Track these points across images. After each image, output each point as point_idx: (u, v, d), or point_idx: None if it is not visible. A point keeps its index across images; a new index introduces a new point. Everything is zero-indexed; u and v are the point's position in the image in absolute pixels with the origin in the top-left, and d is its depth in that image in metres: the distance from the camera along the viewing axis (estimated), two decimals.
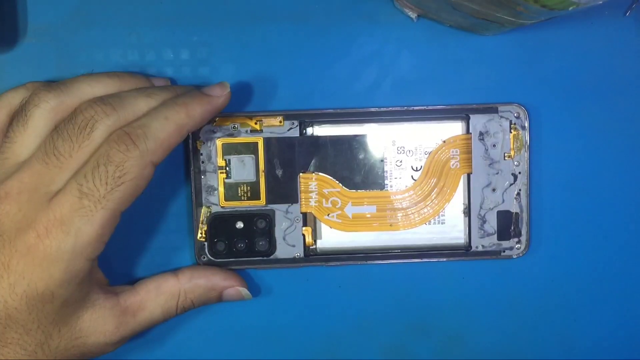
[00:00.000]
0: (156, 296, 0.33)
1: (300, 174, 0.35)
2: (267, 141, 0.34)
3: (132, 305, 0.32)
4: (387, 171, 0.35)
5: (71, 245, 0.28)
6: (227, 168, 0.35)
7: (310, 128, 0.35)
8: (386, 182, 0.35)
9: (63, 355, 0.30)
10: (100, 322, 0.31)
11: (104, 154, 0.29)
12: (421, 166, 0.35)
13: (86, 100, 0.30)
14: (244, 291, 0.34)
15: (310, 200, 0.35)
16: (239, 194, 0.35)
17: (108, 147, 0.29)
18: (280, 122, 0.34)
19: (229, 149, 0.34)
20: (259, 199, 0.35)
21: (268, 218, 0.35)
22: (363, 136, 0.35)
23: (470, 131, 0.35)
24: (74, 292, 0.29)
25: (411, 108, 0.35)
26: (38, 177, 0.29)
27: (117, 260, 0.36)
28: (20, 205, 0.29)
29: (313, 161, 0.35)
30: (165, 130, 0.30)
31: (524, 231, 0.35)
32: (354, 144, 0.35)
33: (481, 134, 0.35)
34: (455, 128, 0.35)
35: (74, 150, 0.29)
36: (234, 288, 0.34)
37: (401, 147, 0.35)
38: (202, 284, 0.33)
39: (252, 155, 0.35)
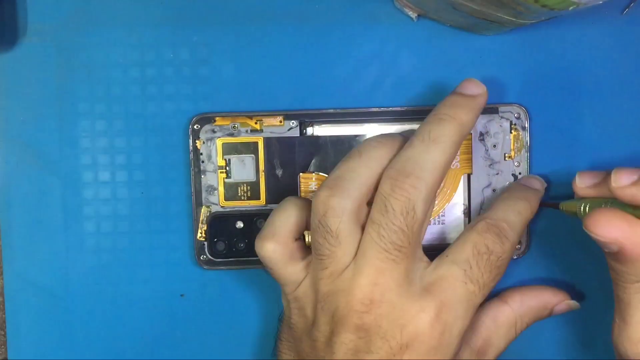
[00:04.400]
0: (496, 329, 0.33)
1: (300, 174, 0.35)
2: (267, 141, 0.34)
3: (482, 347, 0.33)
4: None
5: (460, 329, 0.29)
6: (227, 168, 0.35)
7: (310, 128, 0.35)
8: None
9: None
10: None
11: (481, 243, 0.30)
12: None
13: (382, 180, 0.29)
14: (574, 304, 0.35)
15: None
16: (239, 194, 0.35)
17: (482, 237, 0.30)
18: (280, 122, 0.35)
19: (229, 149, 0.34)
20: (259, 198, 0.35)
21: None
22: (363, 136, 0.35)
23: (471, 131, 0.35)
24: None
25: (411, 108, 0.35)
26: (391, 274, 0.29)
27: (117, 261, 0.36)
28: (392, 304, 0.29)
29: (313, 161, 0.35)
30: (522, 224, 0.31)
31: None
32: (354, 144, 0.35)
33: (481, 134, 0.35)
34: None
35: (410, 237, 0.29)
36: (564, 303, 0.34)
37: None
38: (534, 305, 0.34)
39: (252, 155, 0.35)
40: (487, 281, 0.29)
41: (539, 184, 0.34)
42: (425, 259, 0.30)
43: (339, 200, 0.29)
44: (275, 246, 0.31)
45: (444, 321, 0.29)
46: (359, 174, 0.30)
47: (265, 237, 0.31)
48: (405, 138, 0.31)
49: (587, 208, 0.30)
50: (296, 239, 0.32)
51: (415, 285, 0.29)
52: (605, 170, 0.30)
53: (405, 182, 0.29)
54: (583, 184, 0.31)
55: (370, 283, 0.29)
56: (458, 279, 0.29)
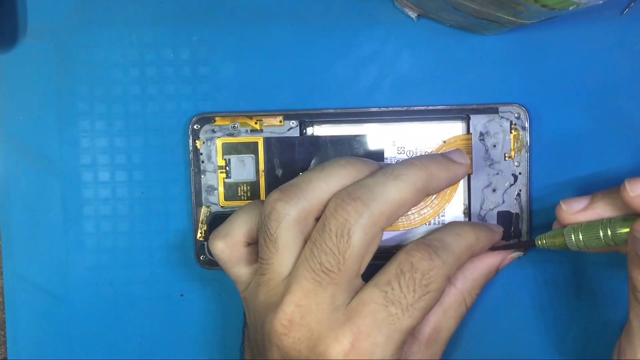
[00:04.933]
0: (444, 313, 0.32)
1: (300, 174, 0.35)
2: (267, 141, 0.34)
3: (431, 335, 0.32)
4: None
5: (381, 356, 0.28)
6: (227, 168, 0.35)
7: (310, 128, 0.35)
8: None
9: None
10: None
11: (406, 261, 0.28)
12: None
13: (331, 199, 0.29)
14: (517, 255, 0.33)
15: None
16: (239, 194, 0.35)
17: (409, 255, 0.28)
18: (280, 122, 0.35)
19: (229, 149, 0.35)
20: (259, 198, 0.35)
21: None
22: (363, 136, 0.35)
23: (471, 131, 0.35)
24: None
25: (411, 108, 0.35)
26: (316, 297, 0.28)
27: (117, 261, 0.36)
28: (310, 329, 0.28)
29: (313, 161, 0.35)
30: (459, 247, 0.30)
31: (524, 231, 0.35)
32: (354, 144, 0.35)
33: (481, 134, 0.35)
34: (455, 128, 0.35)
35: (340, 264, 0.28)
36: (508, 259, 0.33)
37: (401, 147, 0.35)
38: (477, 276, 0.33)
39: (252, 155, 0.35)
40: (412, 301, 0.28)
41: (495, 230, 0.33)
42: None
43: (284, 204, 0.29)
44: (224, 247, 0.31)
45: (360, 350, 0.27)
46: (314, 186, 0.29)
47: (218, 236, 0.31)
48: (379, 167, 0.30)
49: (579, 233, 0.30)
50: (249, 244, 0.31)
51: (339, 313, 0.28)
52: (587, 195, 0.31)
53: (349, 204, 0.28)
54: (570, 210, 0.30)
55: (294, 303, 0.28)
56: (378, 303, 0.28)
